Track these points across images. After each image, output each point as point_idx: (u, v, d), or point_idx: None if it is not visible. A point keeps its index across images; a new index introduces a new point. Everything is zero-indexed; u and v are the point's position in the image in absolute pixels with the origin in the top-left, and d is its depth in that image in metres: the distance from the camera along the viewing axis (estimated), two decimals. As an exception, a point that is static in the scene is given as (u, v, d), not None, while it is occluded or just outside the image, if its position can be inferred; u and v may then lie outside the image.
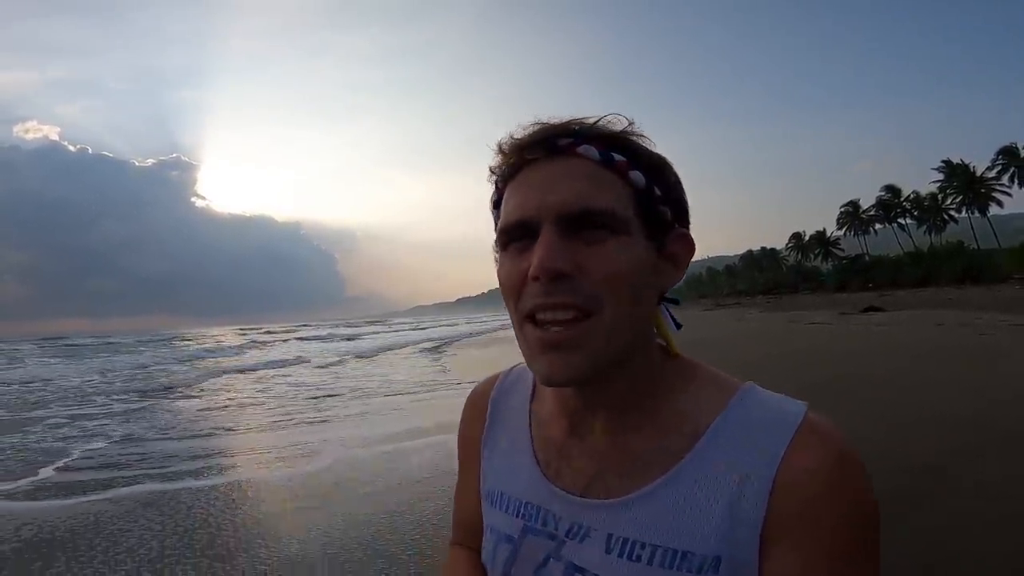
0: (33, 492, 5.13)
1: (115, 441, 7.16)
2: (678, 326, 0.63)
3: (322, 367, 16.62)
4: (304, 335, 44.11)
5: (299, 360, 19.09)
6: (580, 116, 0.57)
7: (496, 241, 0.59)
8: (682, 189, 0.59)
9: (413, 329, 51.82)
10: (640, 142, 0.57)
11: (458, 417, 0.77)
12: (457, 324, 59.38)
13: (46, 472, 5.79)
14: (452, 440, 0.81)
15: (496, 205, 0.61)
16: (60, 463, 6.12)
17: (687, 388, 0.58)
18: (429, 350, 22.40)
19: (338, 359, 19.12)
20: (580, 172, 0.54)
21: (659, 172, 0.57)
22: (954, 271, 57.18)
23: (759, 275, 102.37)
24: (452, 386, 10.79)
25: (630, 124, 0.57)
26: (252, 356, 22.76)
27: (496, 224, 0.60)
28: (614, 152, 0.55)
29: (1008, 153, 61.62)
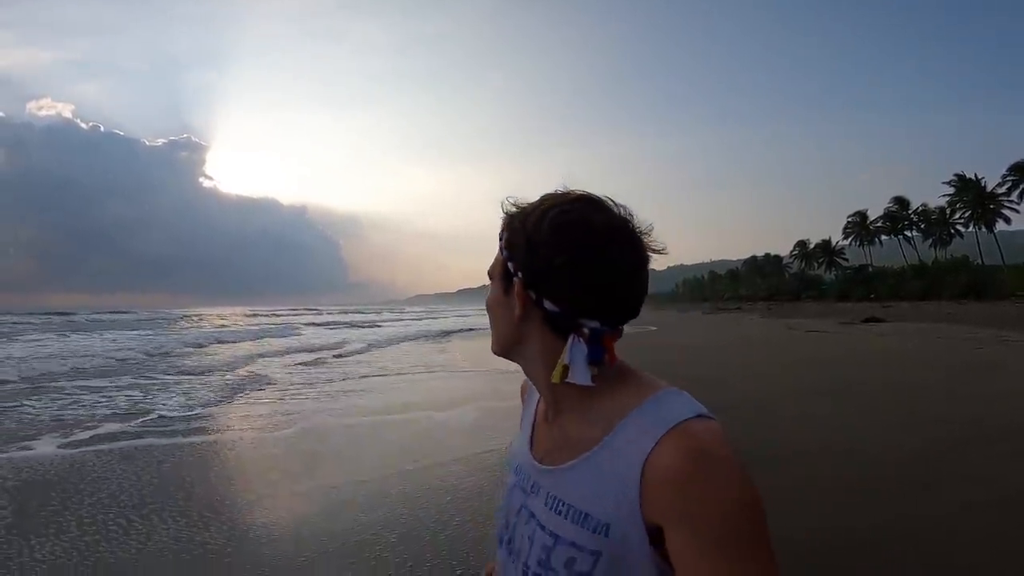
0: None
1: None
2: (596, 359, 0.73)
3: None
4: (322, 320, 43.71)
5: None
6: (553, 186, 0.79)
7: None
8: (523, 243, 0.75)
9: (431, 318, 52.61)
10: (515, 218, 0.78)
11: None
12: (469, 315, 59.79)
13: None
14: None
15: None
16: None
17: (614, 391, 0.74)
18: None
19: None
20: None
21: (509, 239, 0.77)
22: (957, 286, 57.40)
23: (761, 281, 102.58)
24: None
25: (544, 198, 0.77)
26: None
27: None
28: (503, 230, 0.79)
29: (1019, 169, 60.93)
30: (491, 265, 0.82)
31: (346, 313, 67.27)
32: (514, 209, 0.79)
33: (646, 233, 0.75)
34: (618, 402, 0.72)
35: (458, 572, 3.16)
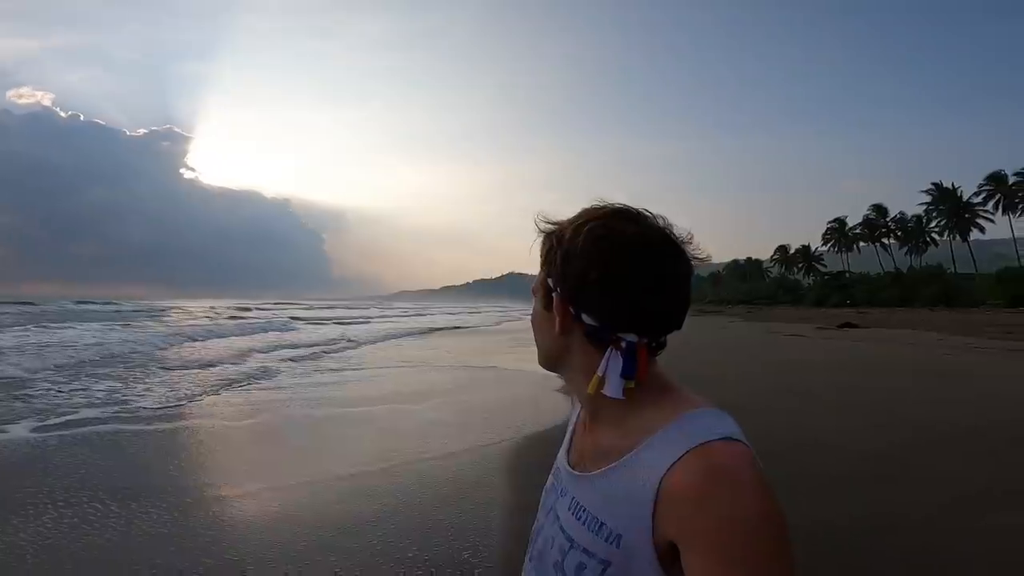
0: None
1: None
2: (628, 375, 0.73)
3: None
4: (310, 315, 42.37)
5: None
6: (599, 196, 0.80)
7: None
8: (561, 258, 0.76)
9: (419, 314, 52.17)
10: (554, 234, 0.79)
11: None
12: (457, 313, 59.66)
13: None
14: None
15: None
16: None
17: (650, 407, 0.74)
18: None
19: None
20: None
21: (548, 252, 0.79)
22: (930, 294, 58.83)
23: (741, 284, 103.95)
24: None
25: (581, 212, 0.79)
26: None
27: None
28: (542, 248, 0.81)
29: (995, 179, 62.52)
30: (535, 281, 0.84)
31: (333, 308, 66.10)
32: (550, 227, 0.81)
33: (686, 242, 0.75)
34: (653, 417, 0.73)
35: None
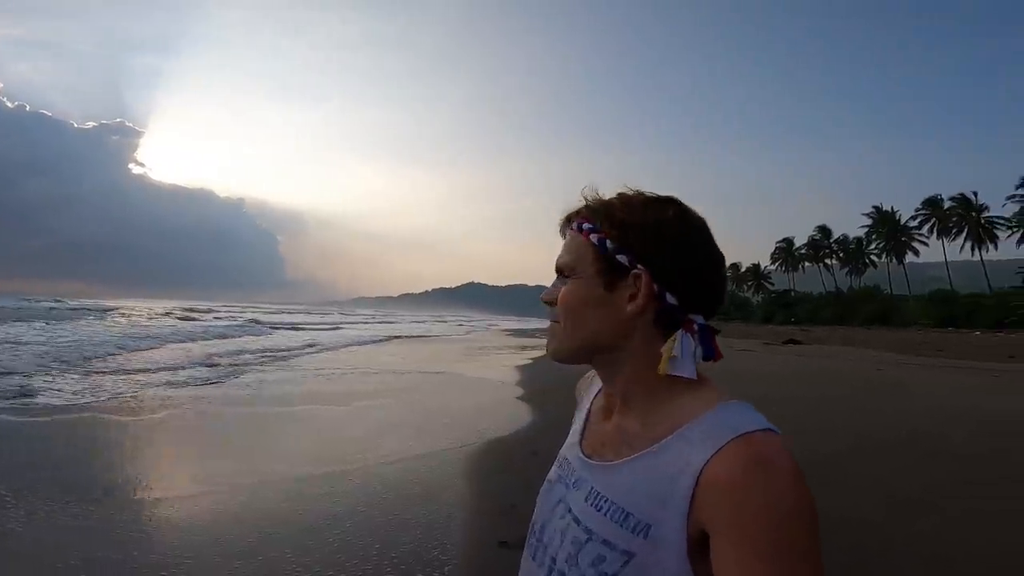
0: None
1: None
2: (709, 356, 0.76)
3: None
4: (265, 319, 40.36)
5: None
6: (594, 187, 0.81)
7: None
8: (642, 236, 0.74)
9: (386, 322, 51.13)
10: (617, 209, 0.76)
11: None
12: (425, 322, 58.58)
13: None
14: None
15: None
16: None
17: (683, 396, 0.72)
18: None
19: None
20: (571, 242, 0.79)
21: (624, 230, 0.75)
22: (868, 313, 61.97)
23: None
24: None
25: (638, 194, 0.78)
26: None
27: None
28: (586, 222, 0.77)
29: (931, 204, 65.39)
30: (568, 259, 0.78)
31: (290, 313, 63.76)
32: (596, 199, 0.79)
33: None
34: (686, 406, 0.72)
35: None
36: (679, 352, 0.73)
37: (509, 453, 5.62)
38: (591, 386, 0.93)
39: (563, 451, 0.88)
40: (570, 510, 0.77)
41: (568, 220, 0.82)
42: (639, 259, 0.74)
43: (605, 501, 0.72)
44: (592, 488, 0.75)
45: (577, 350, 0.78)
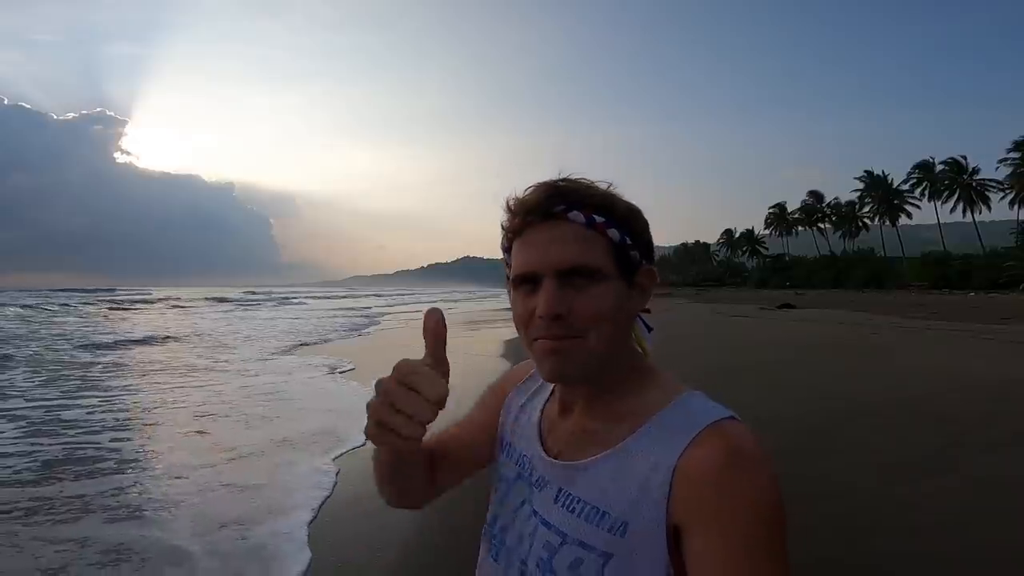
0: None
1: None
2: (649, 329, 0.79)
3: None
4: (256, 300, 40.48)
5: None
6: (569, 173, 0.72)
7: (510, 282, 0.73)
8: (647, 230, 0.73)
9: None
10: (615, 199, 0.71)
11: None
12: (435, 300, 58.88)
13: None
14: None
15: (506, 251, 0.75)
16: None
17: (642, 390, 0.72)
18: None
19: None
20: (571, 234, 0.68)
21: (630, 224, 0.71)
22: (861, 276, 62.29)
23: (691, 267, 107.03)
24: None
25: (609, 186, 0.71)
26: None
27: (508, 266, 0.74)
28: (596, 215, 0.68)
29: (923, 168, 65.52)
30: (587, 259, 0.68)
31: (311, 297, 63.30)
32: (584, 188, 0.71)
33: None
34: (647, 400, 0.71)
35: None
36: (645, 336, 0.76)
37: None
38: (528, 380, 0.88)
39: (517, 445, 0.82)
40: (536, 512, 0.74)
41: (567, 207, 0.69)
42: (643, 254, 0.73)
43: (578, 502, 0.69)
44: (561, 489, 0.72)
45: (607, 365, 0.71)
